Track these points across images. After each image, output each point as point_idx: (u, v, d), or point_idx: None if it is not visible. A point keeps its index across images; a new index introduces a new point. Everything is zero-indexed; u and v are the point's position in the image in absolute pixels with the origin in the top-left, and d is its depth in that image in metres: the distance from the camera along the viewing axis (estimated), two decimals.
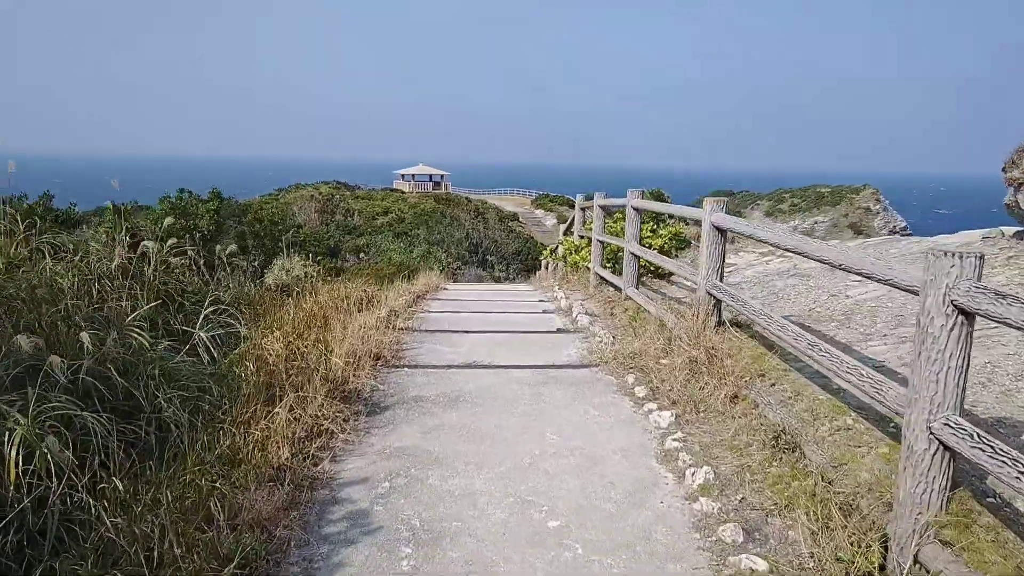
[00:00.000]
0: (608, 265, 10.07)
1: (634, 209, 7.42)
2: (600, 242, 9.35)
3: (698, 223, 5.49)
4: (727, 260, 5.50)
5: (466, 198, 50.48)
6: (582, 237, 11.64)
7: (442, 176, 60.29)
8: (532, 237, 45.10)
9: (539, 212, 51.96)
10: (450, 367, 5.56)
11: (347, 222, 45.20)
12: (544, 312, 8.11)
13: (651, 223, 12.75)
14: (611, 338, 6.14)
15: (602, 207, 9.44)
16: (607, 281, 9.04)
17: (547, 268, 14.58)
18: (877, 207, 66.12)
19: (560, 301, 8.79)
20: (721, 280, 5.26)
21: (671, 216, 12.64)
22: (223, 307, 4.80)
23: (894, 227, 64.72)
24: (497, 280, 27.57)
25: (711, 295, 5.31)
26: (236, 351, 4.69)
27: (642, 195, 7.57)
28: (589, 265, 10.26)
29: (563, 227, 13.81)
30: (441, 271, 21.66)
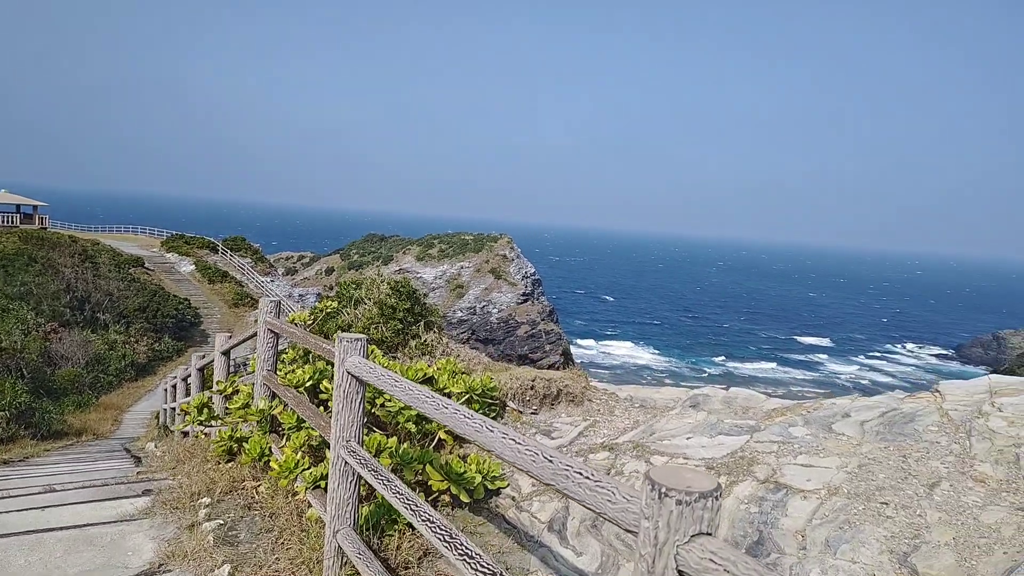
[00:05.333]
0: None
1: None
2: (359, 477, 3.82)
3: None
4: None
5: (70, 237, 37.61)
6: (246, 407, 5.53)
7: (35, 207, 44.77)
8: (163, 287, 35.05)
9: (172, 256, 41.46)
10: None
11: None
12: None
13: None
14: None
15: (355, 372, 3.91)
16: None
17: (193, 439, 8.11)
18: (512, 255, 70.35)
19: None
20: None
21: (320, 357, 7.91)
22: None
23: (526, 272, 69.53)
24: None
25: None
26: None
27: None
28: (303, 494, 4.57)
29: (196, 358, 7.50)
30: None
